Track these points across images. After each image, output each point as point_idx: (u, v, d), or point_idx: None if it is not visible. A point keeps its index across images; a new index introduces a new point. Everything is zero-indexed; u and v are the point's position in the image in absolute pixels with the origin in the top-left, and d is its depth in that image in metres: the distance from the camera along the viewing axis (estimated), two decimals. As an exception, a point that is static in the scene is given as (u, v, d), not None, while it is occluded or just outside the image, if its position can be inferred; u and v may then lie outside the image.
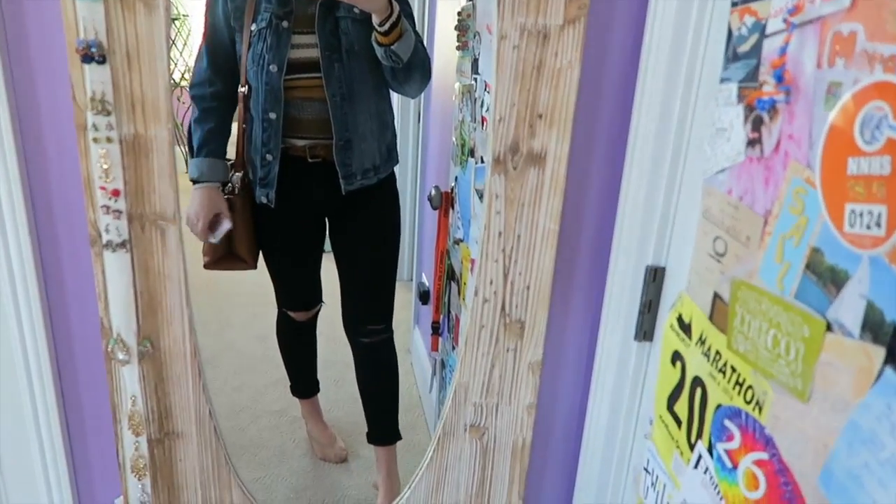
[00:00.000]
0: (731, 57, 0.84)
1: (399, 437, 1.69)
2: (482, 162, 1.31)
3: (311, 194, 1.51)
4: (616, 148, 1.16)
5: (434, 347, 1.81)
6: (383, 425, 1.69)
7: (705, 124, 0.95)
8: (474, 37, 1.38)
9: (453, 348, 1.61)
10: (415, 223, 2.30)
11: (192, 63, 1.57)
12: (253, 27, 1.37)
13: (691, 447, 0.89)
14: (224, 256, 1.48)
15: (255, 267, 1.53)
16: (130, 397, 1.16)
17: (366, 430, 1.71)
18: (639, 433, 1.19)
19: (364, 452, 1.81)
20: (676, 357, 0.95)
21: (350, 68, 1.38)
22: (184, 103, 1.77)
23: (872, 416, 0.57)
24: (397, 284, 1.68)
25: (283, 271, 1.64)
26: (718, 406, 0.82)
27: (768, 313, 0.71)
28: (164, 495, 1.24)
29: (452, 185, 1.62)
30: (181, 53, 2.06)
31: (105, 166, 1.03)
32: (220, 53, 1.41)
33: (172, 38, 1.87)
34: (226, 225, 1.45)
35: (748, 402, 0.76)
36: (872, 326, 0.57)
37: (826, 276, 0.63)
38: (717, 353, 0.83)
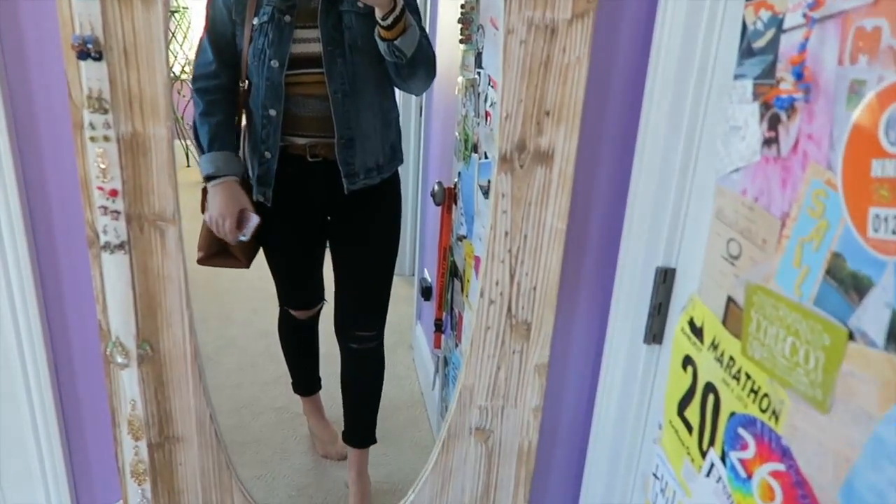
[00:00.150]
0: (746, 52, 0.82)
1: (374, 441, 1.69)
2: (486, 157, 1.29)
3: (311, 194, 1.48)
4: (625, 145, 1.14)
5: (437, 345, 1.79)
6: (360, 429, 1.70)
7: (718, 122, 0.93)
8: (478, 30, 1.36)
9: (456, 345, 1.60)
10: (417, 218, 2.28)
11: (192, 56, 1.54)
12: (255, 21, 1.34)
13: (703, 454, 0.87)
14: (218, 253, 1.43)
15: (248, 266, 1.49)
16: (130, 401, 1.15)
17: None
18: (647, 438, 1.17)
19: (365, 450, 1.79)
20: (687, 361, 0.93)
21: (353, 64, 1.36)
22: (184, 97, 1.75)
23: (898, 430, 0.55)
24: (400, 280, 1.66)
25: (284, 270, 1.62)
26: (732, 413, 0.80)
27: (786, 320, 0.69)
28: (165, 500, 1.23)
29: (455, 180, 1.60)
30: (181, 46, 2.03)
31: (102, 166, 1.01)
32: (223, 46, 1.38)
33: (172, 31, 1.84)
34: (254, 220, 1.37)
35: (763, 411, 0.74)
36: (899, 337, 0.55)
37: (848, 283, 0.61)
38: (731, 358, 0.81)
